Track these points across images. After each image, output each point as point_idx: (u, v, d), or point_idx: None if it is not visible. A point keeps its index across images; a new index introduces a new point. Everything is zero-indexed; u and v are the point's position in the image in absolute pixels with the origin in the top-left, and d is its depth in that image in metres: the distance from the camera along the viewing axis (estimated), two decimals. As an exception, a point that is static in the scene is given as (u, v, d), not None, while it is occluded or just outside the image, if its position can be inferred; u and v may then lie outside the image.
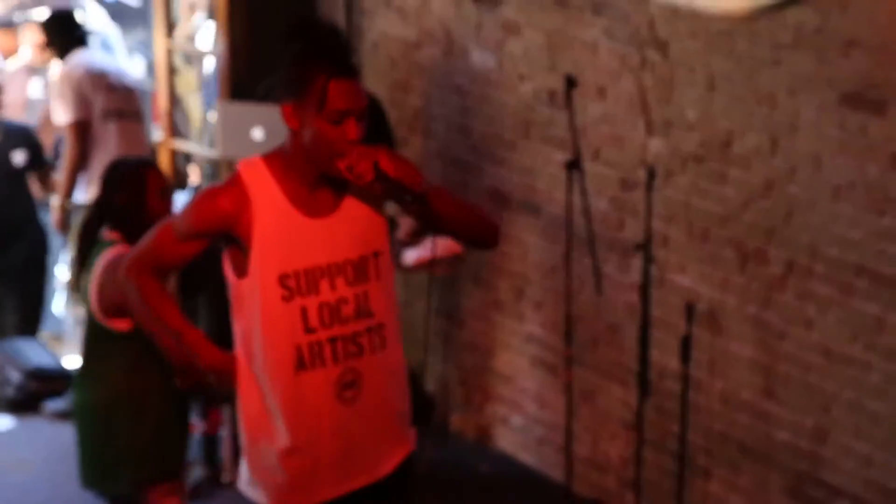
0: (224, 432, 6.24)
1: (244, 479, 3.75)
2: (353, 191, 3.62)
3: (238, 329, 3.66)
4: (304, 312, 3.57)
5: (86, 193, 7.01)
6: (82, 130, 7.00)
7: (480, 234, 3.74)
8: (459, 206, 3.65)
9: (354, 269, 3.62)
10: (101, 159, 6.88)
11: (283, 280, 3.55)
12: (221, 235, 3.57)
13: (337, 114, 3.46)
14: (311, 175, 3.55)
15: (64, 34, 7.25)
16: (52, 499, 6.29)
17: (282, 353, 3.58)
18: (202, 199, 3.57)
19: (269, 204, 3.54)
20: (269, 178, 3.55)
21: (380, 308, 3.67)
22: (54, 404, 7.10)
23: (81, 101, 7.04)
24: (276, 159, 3.58)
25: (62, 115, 7.06)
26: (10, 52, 8.24)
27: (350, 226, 3.63)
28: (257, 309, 3.57)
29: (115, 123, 7.09)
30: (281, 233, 3.54)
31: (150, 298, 3.65)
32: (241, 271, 3.58)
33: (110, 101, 7.10)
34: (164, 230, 3.64)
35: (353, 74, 3.50)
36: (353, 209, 3.63)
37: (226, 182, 3.60)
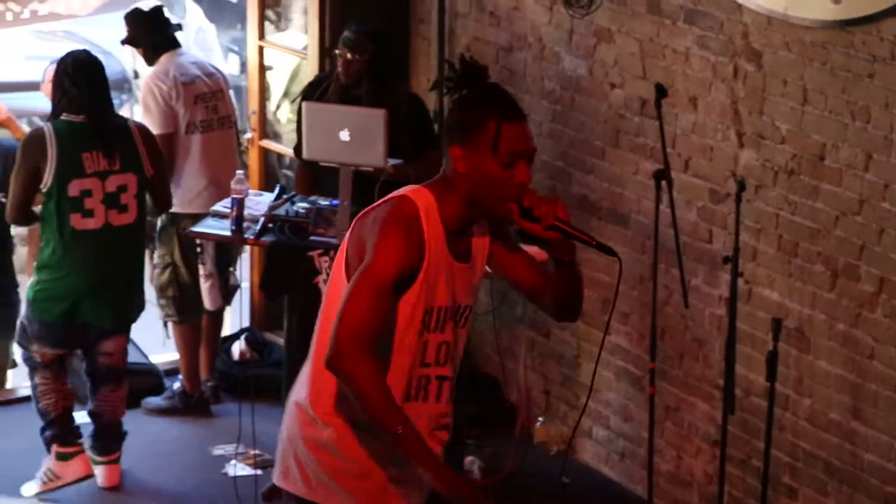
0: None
1: (305, 481, 3.68)
2: (478, 244, 3.67)
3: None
4: (425, 347, 3.61)
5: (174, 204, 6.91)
6: (167, 142, 6.74)
7: (576, 308, 3.76)
8: (580, 281, 3.71)
9: (460, 314, 3.67)
10: (184, 171, 6.86)
11: (426, 314, 3.58)
12: (411, 275, 3.54)
13: (510, 156, 3.47)
14: (466, 217, 3.58)
15: (151, 33, 6.91)
16: (136, 493, 6.34)
17: (395, 382, 3.57)
18: (397, 241, 3.48)
19: (436, 242, 3.55)
20: (437, 216, 3.55)
21: (454, 356, 3.71)
22: (153, 400, 7.14)
23: (167, 113, 6.79)
24: (440, 197, 3.56)
25: (154, 125, 6.77)
26: None
27: (472, 276, 3.68)
28: (396, 333, 3.56)
29: (201, 135, 6.88)
30: (439, 270, 3.57)
31: (371, 391, 3.43)
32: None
33: (197, 114, 6.85)
34: (366, 290, 3.45)
35: (523, 118, 3.52)
36: (476, 259, 3.68)
37: (406, 218, 3.51)
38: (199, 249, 6.87)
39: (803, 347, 5.45)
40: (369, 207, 3.61)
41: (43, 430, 6.24)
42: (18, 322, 6.30)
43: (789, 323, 5.45)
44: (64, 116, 5.96)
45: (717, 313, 5.78)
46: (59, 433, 6.23)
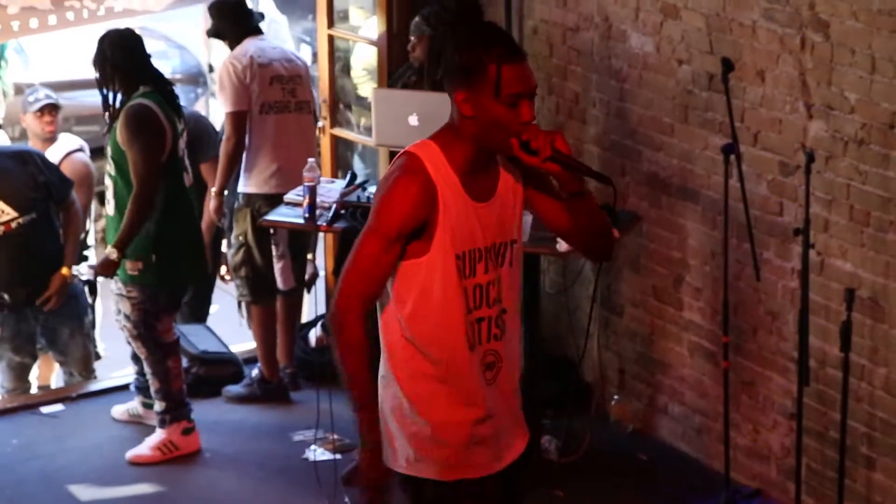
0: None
1: (404, 458, 3.74)
2: (504, 181, 3.69)
3: (397, 313, 3.67)
4: (465, 292, 3.64)
5: (244, 184, 7.00)
6: (240, 121, 6.87)
7: (605, 244, 3.78)
8: (602, 216, 3.70)
9: (496, 254, 3.69)
10: (259, 152, 6.93)
11: (457, 259, 3.62)
12: (421, 227, 3.58)
13: (512, 97, 3.52)
14: (478, 158, 3.62)
15: (236, 24, 7.02)
16: (218, 478, 6.44)
17: (455, 332, 3.64)
18: (399, 193, 3.56)
19: (449, 187, 3.59)
20: (444, 162, 3.60)
21: (507, 295, 3.72)
22: (233, 388, 7.23)
23: (241, 92, 6.87)
24: (445, 142, 3.62)
25: (222, 104, 7.00)
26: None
27: (501, 212, 3.69)
28: (434, 287, 3.61)
29: (275, 116, 6.94)
30: (459, 215, 3.60)
31: (350, 356, 3.60)
32: (413, 253, 3.61)
33: (272, 94, 6.94)
34: (367, 243, 3.59)
35: (522, 57, 3.56)
36: (503, 197, 3.70)
37: (407, 170, 3.59)
38: (272, 230, 6.94)
39: (877, 317, 5.42)
40: None
41: (168, 409, 6.48)
42: (132, 316, 6.39)
43: (862, 293, 5.42)
44: (142, 89, 6.22)
45: (790, 286, 5.77)
46: (187, 411, 6.56)
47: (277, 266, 7.07)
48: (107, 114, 6.28)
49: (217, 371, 7.34)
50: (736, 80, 5.70)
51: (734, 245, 5.80)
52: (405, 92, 6.31)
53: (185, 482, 6.41)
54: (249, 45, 6.97)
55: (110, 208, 6.34)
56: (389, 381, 3.73)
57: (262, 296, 7.15)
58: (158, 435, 6.52)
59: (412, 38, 6.52)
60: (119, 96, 6.25)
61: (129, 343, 6.56)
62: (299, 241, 7.16)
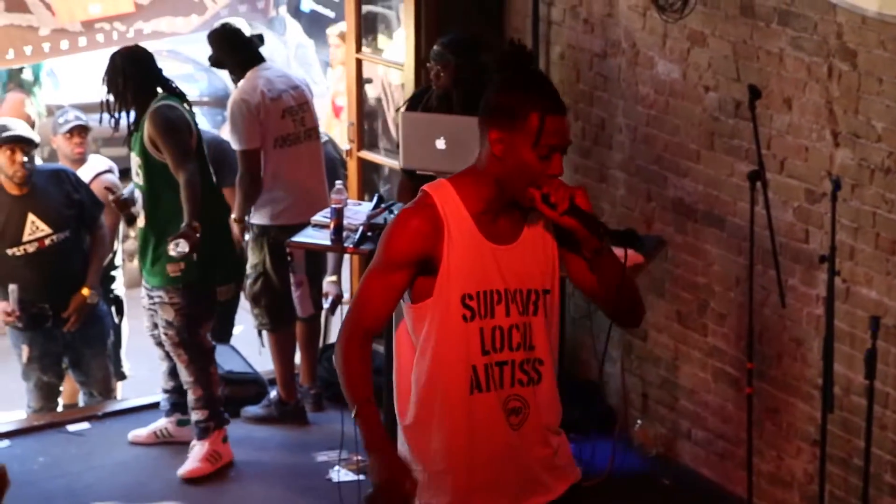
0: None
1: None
2: (531, 226, 3.67)
3: (411, 355, 3.69)
4: (481, 334, 3.62)
5: (257, 216, 7.03)
6: (254, 158, 6.87)
7: (630, 309, 3.74)
8: (628, 280, 3.67)
9: (523, 300, 3.66)
10: (273, 185, 6.95)
11: (465, 300, 3.60)
12: (424, 260, 3.58)
13: (549, 148, 3.53)
14: (498, 201, 3.61)
15: (234, 52, 6.97)
16: (243, 498, 6.47)
17: (457, 374, 3.62)
18: (398, 225, 3.60)
19: (459, 225, 3.59)
20: (458, 201, 3.60)
21: (541, 344, 3.69)
22: (252, 409, 7.26)
23: (253, 129, 6.85)
24: (464, 182, 3.63)
25: (234, 142, 6.95)
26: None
27: (526, 257, 3.67)
28: (436, 328, 3.61)
29: (289, 149, 6.96)
30: (468, 254, 3.59)
31: (350, 382, 3.58)
32: (423, 294, 3.62)
33: (284, 127, 6.94)
34: (369, 274, 3.62)
35: (565, 112, 3.57)
36: (530, 242, 3.68)
37: (416, 205, 3.63)
38: (289, 258, 6.96)
39: (902, 345, 5.45)
40: None
41: (212, 416, 6.55)
42: (175, 322, 6.44)
43: (888, 321, 5.44)
44: (160, 94, 6.37)
45: (815, 313, 5.79)
46: (225, 419, 6.66)
47: (296, 294, 7.11)
48: (114, 123, 6.36)
49: (241, 391, 7.37)
50: (763, 107, 5.74)
51: (759, 272, 5.83)
52: (433, 115, 6.36)
53: (211, 500, 6.45)
54: (258, 79, 6.93)
55: (141, 220, 6.41)
56: (399, 433, 3.74)
57: (282, 324, 7.20)
58: (203, 446, 6.57)
59: (435, 65, 6.55)
60: (132, 112, 6.34)
61: (165, 357, 6.62)
62: (316, 266, 7.21)
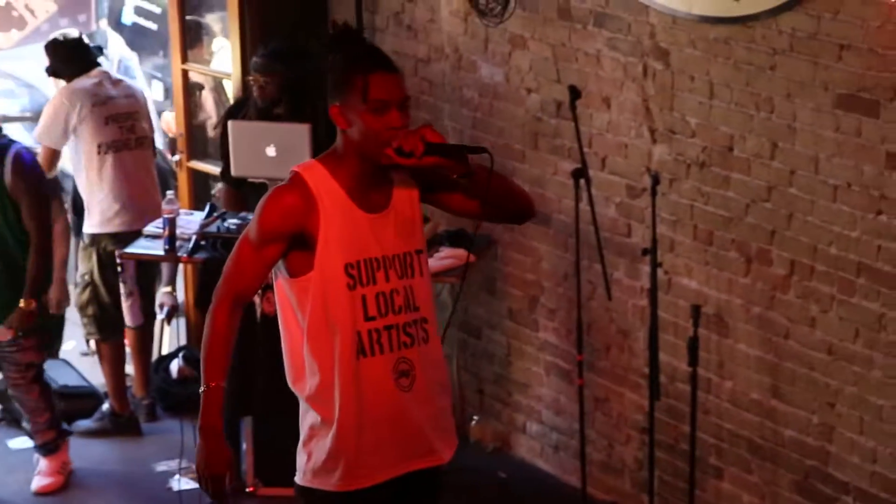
0: (245, 445, 6.35)
1: (305, 470, 3.86)
2: (398, 192, 3.82)
3: (301, 327, 3.80)
4: (364, 301, 3.76)
5: (88, 225, 7.06)
6: (51, 157, 6.95)
7: (522, 205, 3.97)
8: (501, 178, 3.85)
9: (401, 263, 3.82)
10: (100, 192, 6.97)
11: (347, 269, 3.75)
12: (296, 235, 3.71)
13: (379, 103, 3.64)
14: (365, 172, 3.75)
15: (71, 62, 7.00)
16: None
17: (343, 340, 3.75)
18: (271, 201, 3.74)
19: (332, 199, 3.73)
20: (328, 176, 3.75)
21: (423, 303, 3.86)
22: (85, 423, 7.21)
23: (58, 131, 6.93)
24: (330, 160, 3.78)
25: (41, 135, 6.97)
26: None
27: (398, 223, 3.83)
28: (321, 299, 3.74)
29: (113, 154, 6.98)
30: (345, 225, 3.74)
31: (213, 341, 3.79)
32: (304, 268, 3.75)
33: (109, 133, 6.96)
34: (239, 246, 3.79)
35: (391, 69, 3.70)
36: (399, 208, 3.83)
37: (287, 183, 3.76)
38: (119, 268, 6.94)
39: (722, 332, 5.65)
40: None
41: (58, 434, 6.60)
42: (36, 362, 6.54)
43: (708, 309, 5.65)
44: None
45: (640, 304, 5.98)
46: (67, 430, 6.72)
47: (126, 304, 7.07)
48: None
49: (78, 405, 7.31)
50: (583, 107, 5.90)
51: (586, 266, 6.00)
52: (262, 123, 6.41)
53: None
54: (86, 82, 6.98)
55: None
56: (301, 401, 3.85)
57: (110, 332, 7.19)
58: (53, 460, 6.57)
59: (261, 77, 6.59)
60: None
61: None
62: (147, 276, 7.19)
